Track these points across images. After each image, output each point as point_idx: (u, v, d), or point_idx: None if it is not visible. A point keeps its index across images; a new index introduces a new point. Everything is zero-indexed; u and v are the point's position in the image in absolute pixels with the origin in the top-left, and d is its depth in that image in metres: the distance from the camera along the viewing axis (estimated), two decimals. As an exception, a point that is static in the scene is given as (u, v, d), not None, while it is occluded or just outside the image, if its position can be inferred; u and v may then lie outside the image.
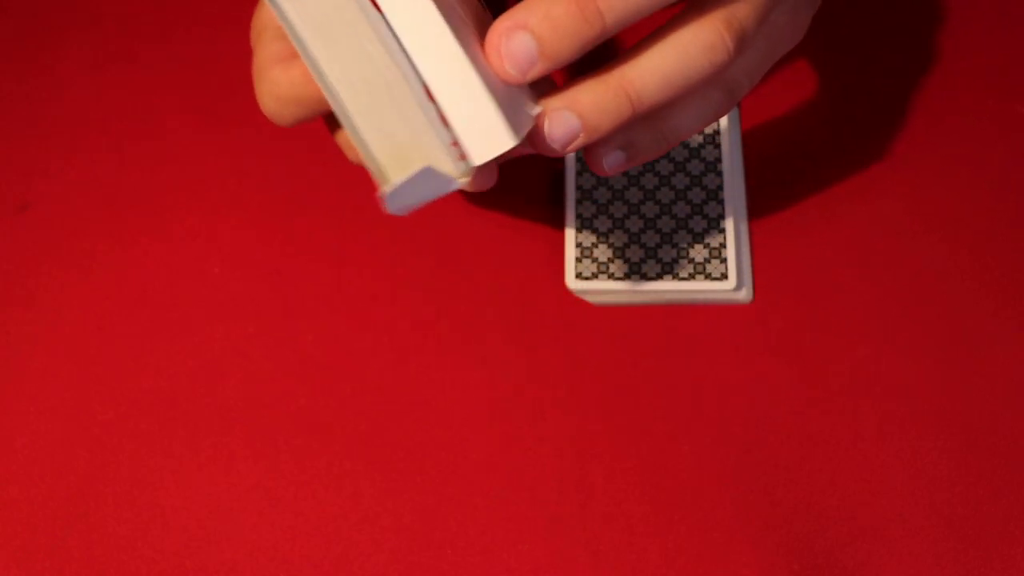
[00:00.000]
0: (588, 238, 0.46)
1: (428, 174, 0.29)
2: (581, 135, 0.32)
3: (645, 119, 0.34)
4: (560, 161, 0.48)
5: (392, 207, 0.30)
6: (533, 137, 0.33)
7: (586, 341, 0.46)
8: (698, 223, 0.46)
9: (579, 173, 0.47)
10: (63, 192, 0.51)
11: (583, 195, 0.46)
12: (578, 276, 0.46)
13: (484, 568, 0.42)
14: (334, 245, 0.49)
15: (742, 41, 0.32)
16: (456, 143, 0.31)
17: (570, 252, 0.46)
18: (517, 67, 0.30)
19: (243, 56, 0.54)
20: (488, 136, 0.30)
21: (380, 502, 0.43)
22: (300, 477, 0.44)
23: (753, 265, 0.47)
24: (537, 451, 0.44)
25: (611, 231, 0.46)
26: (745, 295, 0.46)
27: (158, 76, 0.53)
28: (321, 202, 0.50)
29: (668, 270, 0.45)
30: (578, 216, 0.46)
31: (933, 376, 0.45)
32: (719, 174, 0.46)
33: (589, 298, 0.47)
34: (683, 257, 0.45)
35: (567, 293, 0.47)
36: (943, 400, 0.44)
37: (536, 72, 0.30)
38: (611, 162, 0.35)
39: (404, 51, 0.30)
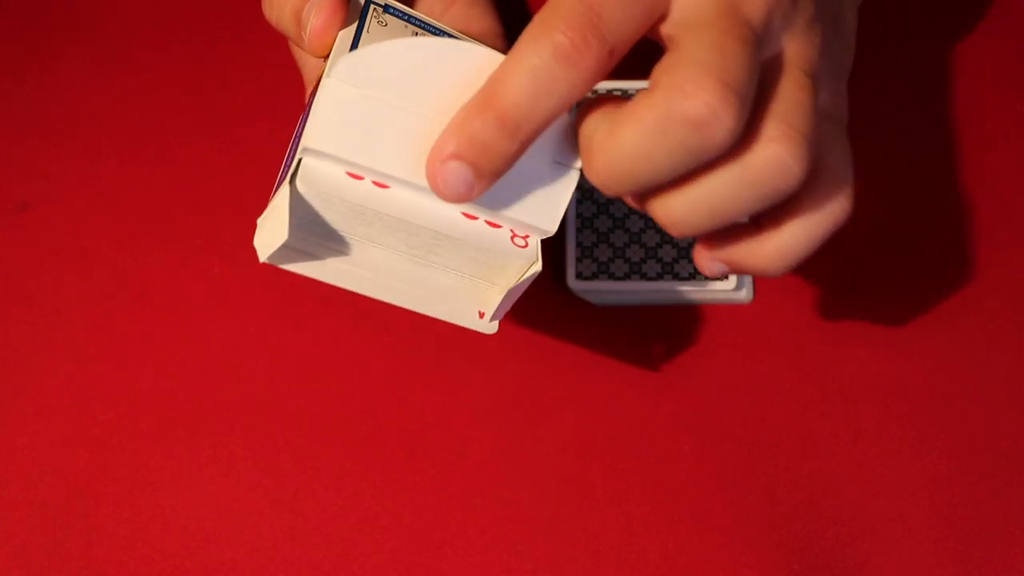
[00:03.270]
0: (589, 238, 0.46)
1: (513, 292, 0.33)
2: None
3: (758, 236, 0.34)
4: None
5: (499, 319, 0.34)
6: None
7: (586, 341, 0.46)
8: (698, 223, 0.46)
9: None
10: (63, 192, 0.50)
11: (584, 195, 0.46)
12: (578, 276, 0.45)
13: (484, 568, 0.42)
14: (334, 245, 0.49)
15: (807, 149, 0.31)
16: (515, 235, 0.33)
17: (571, 252, 0.46)
18: (458, 196, 0.31)
19: (243, 56, 0.54)
20: (536, 228, 0.33)
21: (380, 502, 0.43)
22: (300, 477, 0.44)
23: (753, 265, 0.47)
24: (537, 451, 0.44)
25: (611, 231, 0.46)
26: (745, 295, 0.46)
27: (158, 76, 0.53)
28: (321, 202, 0.49)
29: (668, 270, 0.45)
30: (579, 216, 0.46)
31: (933, 376, 0.44)
32: (719, 174, 0.46)
33: (589, 298, 0.46)
34: (683, 257, 0.45)
35: (567, 293, 0.47)
36: (943, 400, 0.44)
37: (480, 191, 0.31)
38: (714, 271, 0.35)
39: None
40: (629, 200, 0.33)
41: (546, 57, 0.29)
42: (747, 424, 0.44)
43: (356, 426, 0.45)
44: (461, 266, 0.33)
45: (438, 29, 0.37)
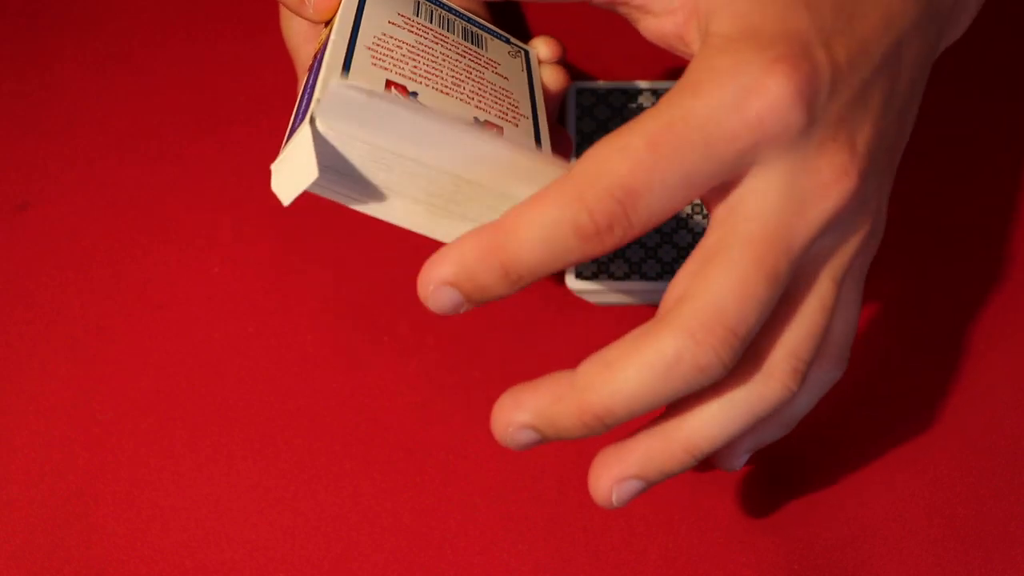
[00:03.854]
0: (588, 238, 0.46)
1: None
2: (644, 488, 0.33)
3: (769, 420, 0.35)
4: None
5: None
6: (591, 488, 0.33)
7: (586, 341, 0.46)
8: (698, 223, 0.46)
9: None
10: (63, 191, 0.51)
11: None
12: (578, 276, 0.46)
13: (484, 568, 0.42)
14: (334, 245, 0.49)
15: (807, 370, 0.32)
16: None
17: (570, 252, 0.46)
18: (443, 312, 0.31)
19: (243, 56, 0.54)
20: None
21: (380, 502, 0.43)
22: (300, 477, 0.44)
23: (753, 265, 0.47)
24: (537, 451, 0.44)
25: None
26: (745, 295, 0.46)
27: (158, 76, 0.53)
28: (321, 202, 0.50)
29: (668, 270, 0.45)
30: (578, 216, 0.46)
31: (933, 376, 0.45)
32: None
33: (589, 298, 0.47)
34: (683, 257, 0.45)
35: (567, 293, 0.47)
36: (943, 400, 0.44)
37: (465, 310, 0.31)
38: (740, 463, 0.37)
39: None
40: None
41: (566, 230, 0.29)
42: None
43: (356, 426, 0.45)
44: (480, 215, 0.32)
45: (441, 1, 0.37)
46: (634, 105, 0.49)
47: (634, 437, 0.33)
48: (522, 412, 0.31)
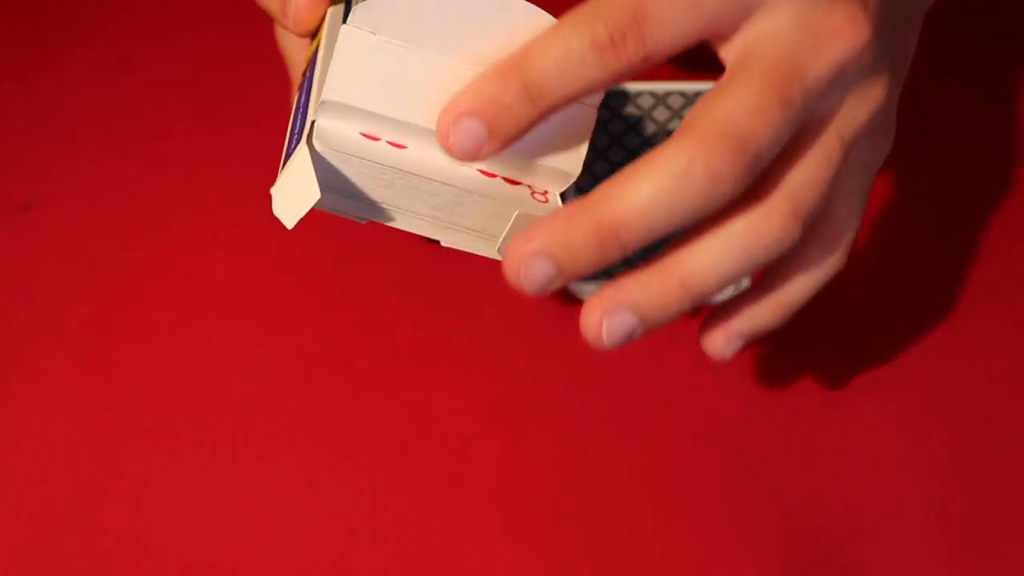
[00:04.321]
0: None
1: (525, 222, 0.31)
2: (639, 329, 0.32)
3: (762, 298, 0.34)
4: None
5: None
6: (583, 332, 0.33)
7: (586, 341, 0.46)
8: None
9: (579, 173, 0.47)
10: (65, 192, 0.51)
11: (583, 194, 0.46)
12: (578, 276, 0.46)
13: (484, 568, 0.42)
14: (334, 245, 0.49)
15: (809, 223, 0.32)
16: (535, 191, 0.32)
17: (570, 252, 0.46)
18: (465, 153, 0.31)
19: (243, 57, 0.54)
20: (556, 179, 0.32)
21: (380, 502, 0.43)
22: (300, 476, 0.44)
23: (753, 265, 0.47)
24: (537, 451, 0.44)
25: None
26: (745, 295, 0.46)
27: (160, 77, 0.53)
28: (322, 202, 0.50)
29: (668, 270, 0.45)
30: (578, 216, 0.46)
31: (933, 376, 0.45)
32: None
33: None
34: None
35: (567, 293, 0.47)
36: (943, 400, 0.44)
37: (488, 154, 0.31)
38: (733, 350, 0.36)
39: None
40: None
41: (583, 42, 0.29)
42: (747, 424, 0.44)
43: (356, 426, 0.45)
44: (484, 226, 0.32)
45: None
46: (634, 107, 0.49)
47: (629, 273, 0.32)
48: (534, 240, 0.30)
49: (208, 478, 0.44)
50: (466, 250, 0.33)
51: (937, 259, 0.47)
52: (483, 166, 0.32)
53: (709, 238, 0.31)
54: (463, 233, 0.32)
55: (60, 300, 0.48)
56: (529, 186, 0.32)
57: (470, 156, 0.31)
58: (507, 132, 0.30)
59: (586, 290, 0.46)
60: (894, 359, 0.45)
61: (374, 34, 0.31)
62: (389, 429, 0.45)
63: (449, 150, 0.31)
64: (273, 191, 0.31)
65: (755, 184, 0.32)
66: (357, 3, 0.35)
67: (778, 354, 0.45)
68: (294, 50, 0.39)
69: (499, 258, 0.33)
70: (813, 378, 0.45)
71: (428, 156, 0.31)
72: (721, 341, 0.36)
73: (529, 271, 0.31)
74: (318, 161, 0.30)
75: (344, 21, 0.33)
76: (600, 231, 0.30)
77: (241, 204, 0.50)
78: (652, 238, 0.30)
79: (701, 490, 0.43)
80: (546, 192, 0.32)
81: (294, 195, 0.30)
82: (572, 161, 0.32)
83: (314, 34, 0.35)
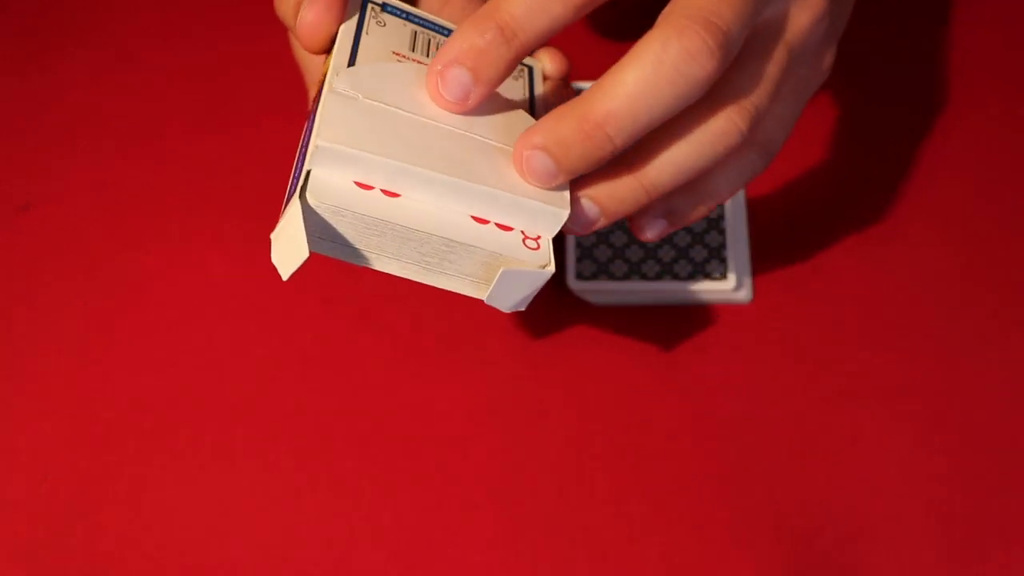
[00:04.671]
0: (588, 238, 0.46)
1: (511, 276, 0.32)
2: (601, 219, 0.34)
3: (683, 187, 0.36)
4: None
5: (505, 309, 0.34)
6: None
7: (586, 341, 0.46)
8: (698, 223, 0.46)
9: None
10: (65, 192, 0.51)
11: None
12: (578, 276, 0.46)
13: (484, 568, 0.42)
14: (335, 245, 0.49)
15: (757, 120, 0.34)
16: (527, 237, 0.33)
17: (570, 252, 0.46)
18: (457, 101, 0.33)
19: (245, 56, 0.54)
20: (547, 220, 0.33)
21: (380, 502, 0.43)
22: (301, 476, 0.44)
23: (753, 265, 0.47)
24: (537, 451, 0.44)
25: (611, 231, 0.46)
26: (745, 295, 0.46)
27: (160, 77, 0.53)
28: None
29: (668, 270, 0.45)
30: (578, 216, 0.46)
31: (933, 376, 0.44)
32: (719, 174, 0.46)
33: (589, 298, 0.47)
34: (683, 257, 0.45)
35: (567, 293, 0.47)
36: (943, 400, 0.44)
37: (476, 100, 0.33)
38: (654, 230, 0.37)
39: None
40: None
41: None
42: (747, 424, 0.44)
43: (356, 426, 0.45)
44: (475, 272, 0.33)
45: (437, 25, 0.37)
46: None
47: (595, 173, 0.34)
48: (534, 136, 0.32)
49: (208, 478, 0.44)
50: (457, 292, 0.34)
51: (937, 259, 0.47)
52: (475, 212, 0.33)
53: (664, 134, 0.33)
54: (454, 278, 0.33)
55: (60, 300, 0.48)
56: (522, 231, 0.33)
57: (460, 103, 0.33)
58: (489, 75, 0.32)
59: (587, 290, 0.46)
60: (894, 359, 0.45)
61: (361, 96, 0.33)
62: (388, 429, 0.45)
63: (439, 101, 0.33)
64: (272, 237, 0.33)
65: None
66: (369, 22, 0.35)
67: (778, 354, 0.45)
68: (309, 58, 0.39)
69: (489, 303, 0.34)
70: (813, 378, 0.45)
71: (421, 204, 0.32)
72: (643, 217, 0.37)
73: (531, 165, 0.33)
74: (311, 215, 0.31)
75: (354, 47, 0.34)
76: (586, 124, 0.32)
77: (241, 204, 0.50)
78: (637, 129, 0.32)
79: (701, 490, 0.43)
80: (538, 238, 0.33)
81: (287, 250, 0.32)
82: (559, 199, 0.33)
83: (328, 49, 0.35)
